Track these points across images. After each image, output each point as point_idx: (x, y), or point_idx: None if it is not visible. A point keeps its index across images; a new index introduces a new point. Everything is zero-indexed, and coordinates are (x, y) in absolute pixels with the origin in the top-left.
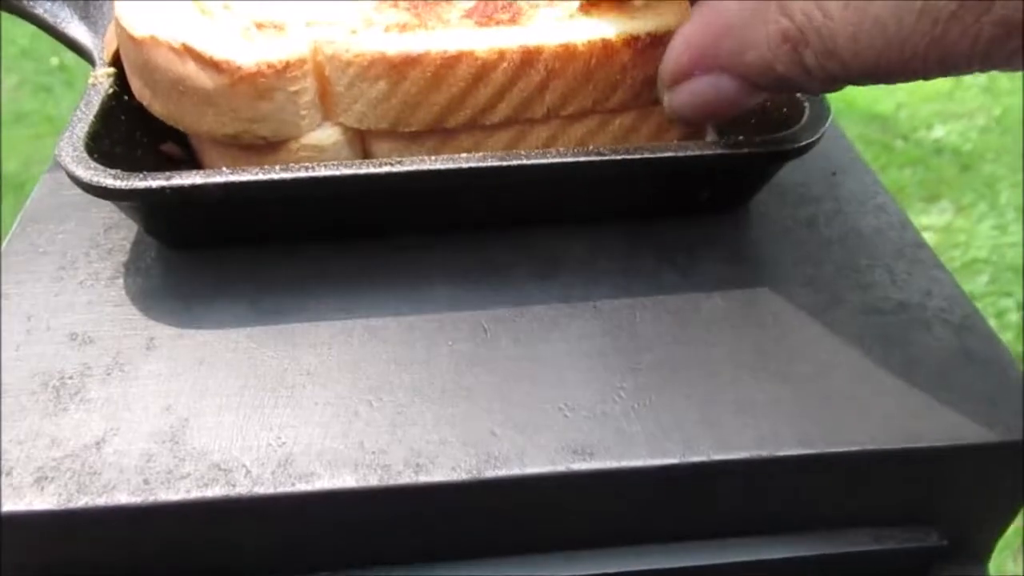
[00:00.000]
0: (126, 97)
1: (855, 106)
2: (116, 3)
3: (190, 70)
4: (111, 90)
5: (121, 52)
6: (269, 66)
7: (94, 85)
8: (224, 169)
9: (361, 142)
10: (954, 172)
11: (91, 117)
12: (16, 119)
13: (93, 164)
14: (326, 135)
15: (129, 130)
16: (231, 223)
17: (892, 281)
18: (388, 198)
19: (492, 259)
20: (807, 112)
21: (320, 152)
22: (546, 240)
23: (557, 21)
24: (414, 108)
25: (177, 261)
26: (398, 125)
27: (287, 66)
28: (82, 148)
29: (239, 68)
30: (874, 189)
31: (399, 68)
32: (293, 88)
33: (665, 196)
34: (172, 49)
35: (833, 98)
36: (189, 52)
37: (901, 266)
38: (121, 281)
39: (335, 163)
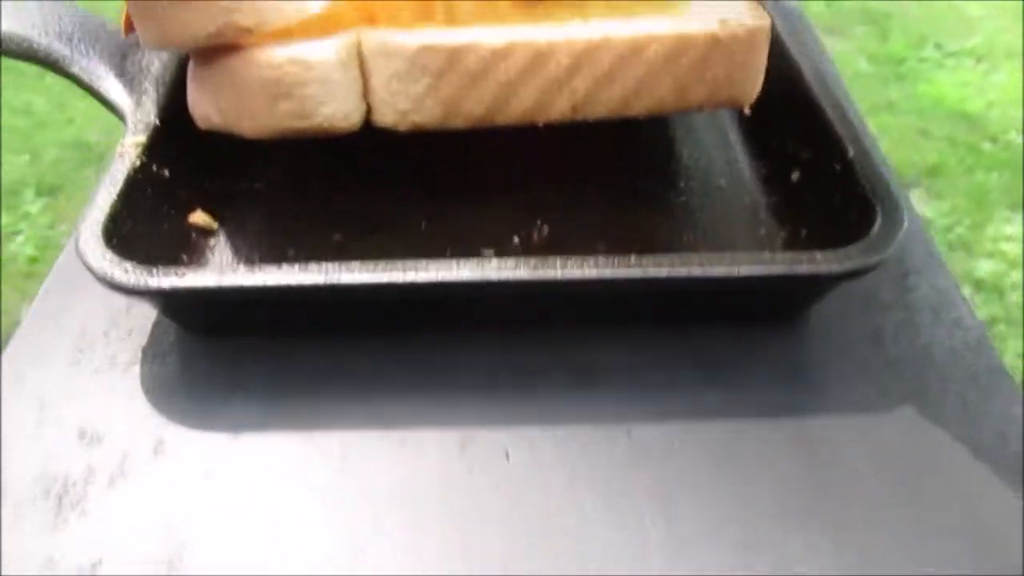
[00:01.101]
0: (154, 168)
1: (943, 103)
2: None
3: None
4: (138, 162)
5: None
6: None
7: (121, 155)
8: (239, 270)
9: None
10: None
11: (114, 196)
12: None
13: (108, 255)
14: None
15: (156, 204)
16: (246, 317)
17: (964, 412)
18: (412, 302)
19: (522, 363)
20: (878, 219)
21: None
22: (583, 343)
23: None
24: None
25: (195, 347)
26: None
27: None
28: (99, 234)
29: None
30: (951, 297)
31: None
32: None
33: (714, 306)
34: None
35: (921, 94)
36: None
37: (974, 396)
38: (137, 369)
39: (355, 267)
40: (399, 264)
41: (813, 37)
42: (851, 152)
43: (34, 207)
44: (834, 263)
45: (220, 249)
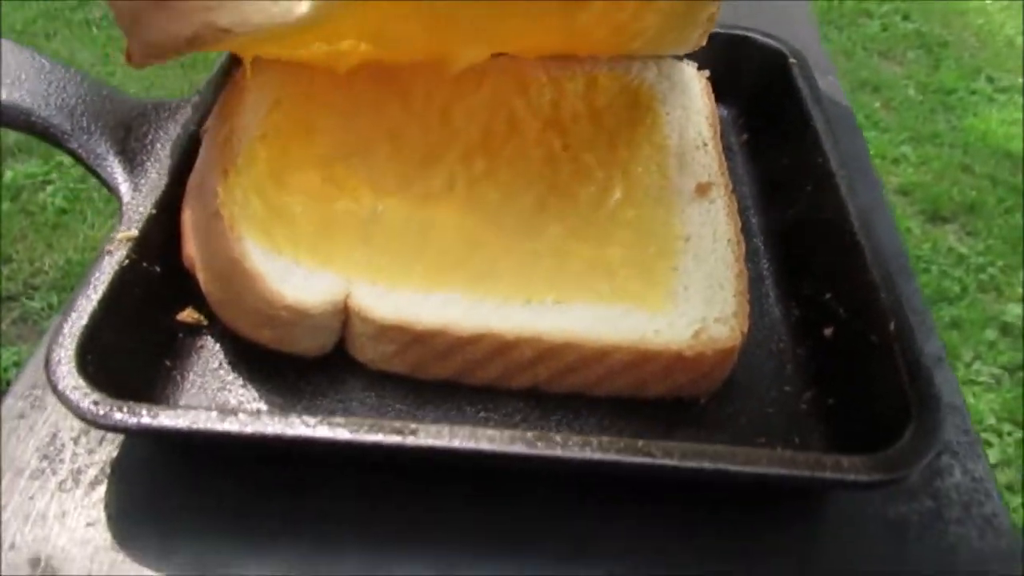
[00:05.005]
0: (144, 264)
1: (989, 139)
2: None
3: None
4: (126, 261)
5: None
6: None
7: (110, 252)
8: (208, 414)
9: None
10: None
11: (95, 304)
12: None
13: (78, 382)
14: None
15: (141, 306)
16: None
17: None
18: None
19: (516, 528)
20: (913, 420)
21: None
22: (581, 512)
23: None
24: None
25: (166, 466)
26: None
27: None
28: (73, 353)
29: None
30: (985, 487)
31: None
32: None
33: (723, 493)
34: None
35: (967, 127)
36: None
37: None
38: (103, 489)
39: (338, 423)
40: (387, 425)
41: (862, 145)
42: (892, 326)
43: (67, 159)
44: (861, 472)
45: (206, 353)
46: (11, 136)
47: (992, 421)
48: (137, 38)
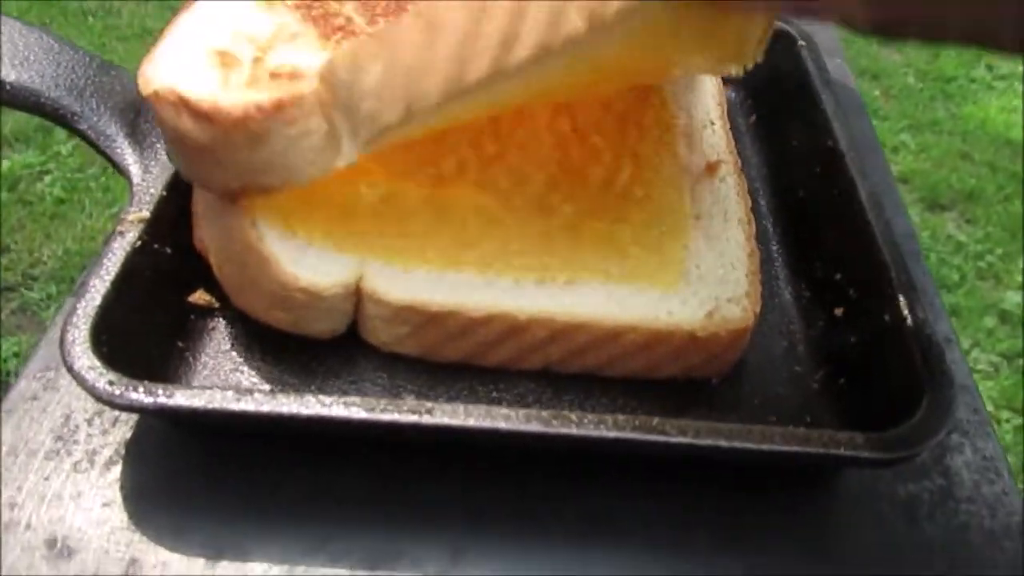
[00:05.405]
0: (156, 246)
1: (988, 127)
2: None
3: (186, 123)
4: (138, 242)
5: None
6: (258, 108)
7: (122, 233)
8: (224, 393)
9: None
10: None
11: (108, 284)
12: (139, 35)
13: (93, 362)
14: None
15: (153, 287)
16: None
17: None
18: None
19: (529, 507)
20: (925, 398)
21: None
22: (594, 490)
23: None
24: None
25: (181, 445)
26: None
27: (279, 105)
28: (87, 334)
29: (227, 114)
30: (995, 466)
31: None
32: (292, 130)
33: (737, 470)
34: (169, 102)
35: (966, 115)
36: (184, 104)
37: None
38: (118, 469)
39: (353, 403)
40: (403, 404)
41: (870, 127)
42: (903, 305)
43: (65, 148)
44: (874, 450)
45: (218, 334)
46: (8, 125)
47: (991, 408)
48: (191, 176)
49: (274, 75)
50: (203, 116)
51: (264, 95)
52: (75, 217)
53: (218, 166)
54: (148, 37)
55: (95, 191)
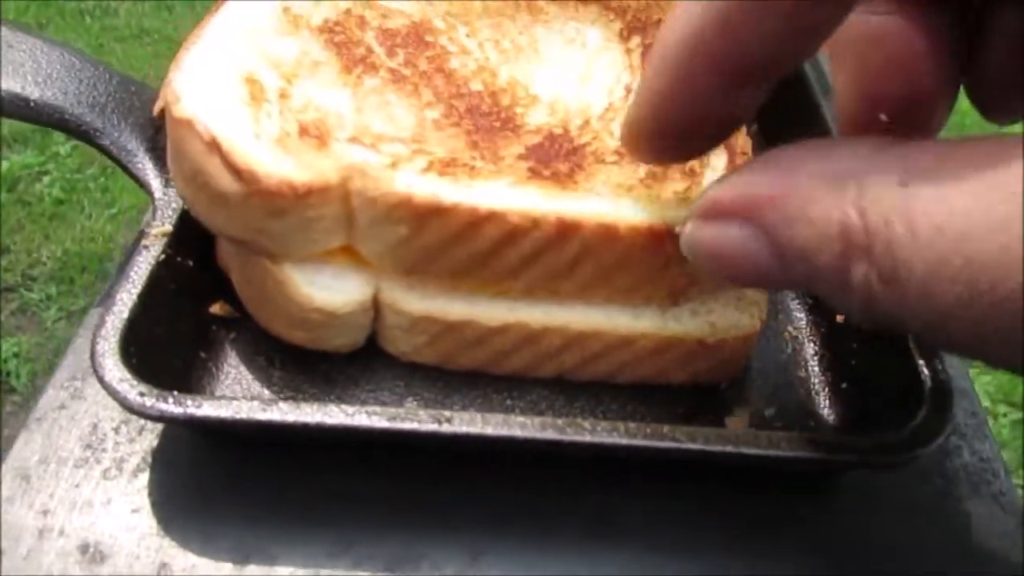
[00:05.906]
0: (179, 259)
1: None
2: (171, 71)
3: (213, 166)
4: (162, 256)
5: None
6: (290, 187)
7: (147, 247)
8: (251, 404)
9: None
10: None
11: (135, 297)
12: (137, 35)
13: (124, 374)
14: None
15: (177, 298)
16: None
17: None
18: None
19: (545, 509)
20: (926, 402)
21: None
22: (604, 491)
23: (612, 189)
24: (433, 259)
25: (208, 454)
26: (414, 271)
27: (309, 192)
28: (117, 346)
29: (259, 181)
30: (993, 467)
31: (423, 217)
32: (310, 214)
33: (742, 473)
34: (202, 140)
35: (961, 111)
36: (217, 148)
37: None
38: (146, 476)
39: (374, 412)
40: (423, 413)
41: None
42: None
43: (63, 148)
44: (877, 453)
45: (239, 344)
46: (6, 126)
47: (987, 403)
48: (193, 206)
49: (303, 131)
50: (235, 171)
51: (298, 173)
52: (74, 218)
53: (225, 211)
54: (146, 37)
55: (94, 191)
